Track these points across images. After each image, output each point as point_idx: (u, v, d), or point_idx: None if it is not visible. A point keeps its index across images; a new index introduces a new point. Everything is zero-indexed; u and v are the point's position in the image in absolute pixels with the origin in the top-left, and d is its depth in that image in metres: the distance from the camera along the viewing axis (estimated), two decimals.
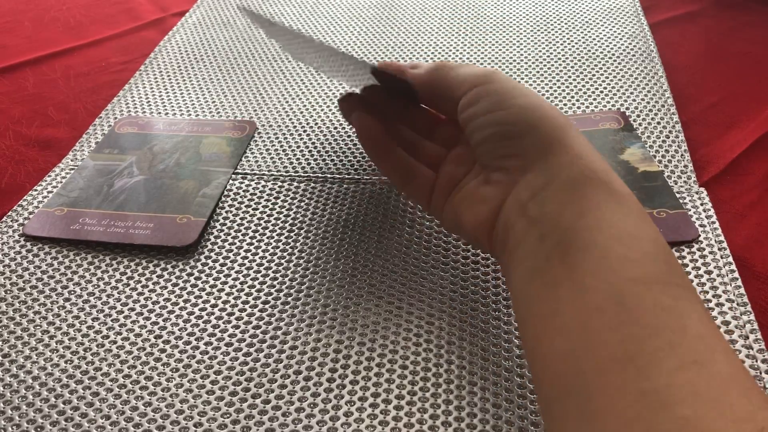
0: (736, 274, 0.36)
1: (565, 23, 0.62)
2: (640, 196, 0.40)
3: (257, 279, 0.38)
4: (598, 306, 0.23)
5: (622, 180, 0.28)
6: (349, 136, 0.49)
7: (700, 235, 0.38)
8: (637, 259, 0.24)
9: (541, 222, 0.27)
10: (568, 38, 0.60)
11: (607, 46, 0.58)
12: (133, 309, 0.36)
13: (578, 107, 0.50)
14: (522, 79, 0.54)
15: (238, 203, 0.43)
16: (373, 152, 0.37)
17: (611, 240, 0.25)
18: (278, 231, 0.41)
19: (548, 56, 0.57)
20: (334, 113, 0.51)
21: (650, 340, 0.21)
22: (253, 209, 0.43)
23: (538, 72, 0.55)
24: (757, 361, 0.31)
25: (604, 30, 0.61)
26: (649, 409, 0.20)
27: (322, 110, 0.52)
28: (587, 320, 0.23)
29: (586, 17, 0.63)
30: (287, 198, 0.43)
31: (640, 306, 0.22)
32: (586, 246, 0.25)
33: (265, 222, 0.42)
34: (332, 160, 0.46)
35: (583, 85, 0.53)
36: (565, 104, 0.51)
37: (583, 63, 0.56)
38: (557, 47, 0.58)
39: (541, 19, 0.63)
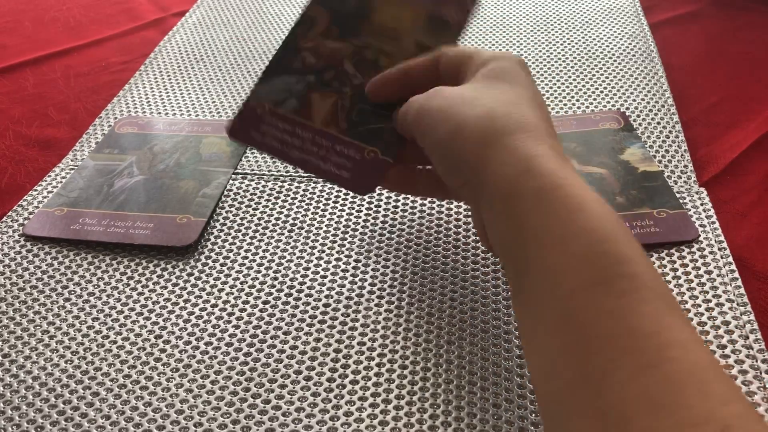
0: (736, 274, 0.36)
1: (565, 23, 0.62)
2: (640, 196, 0.40)
3: (257, 279, 0.38)
4: (553, 326, 0.23)
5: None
6: None
7: (699, 235, 0.38)
8: (574, 265, 0.23)
9: (499, 252, 0.28)
10: (568, 38, 0.60)
11: (607, 46, 0.58)
12: (133, 309, 0.36)
13: (578, 107, 0.50)
14: None
15: (238, 203, 0.43)
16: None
17: (549, 250, 0.24)
18: (278, 231, 0.41)
19: (548, 56, 0.57)
20: None
21: (602, 352, 0.21)
22: (253, 209, 0.43)
23: (538, 72, 0.55)
24: (757, 361, 0.31)
25: (604, 30, 0.61)
26: (609, 428, 0.20)
27: None
28: (549, 342, 0.23)
29: (586, 17, 0.63)
30: (287, 198, 0.43)
31: (586, 318, 0.22)
32: (529, 268, 0.25)
33: (265, 222, 0.42)
34: None
35: (583, 85, 0.53)
36: (565, 104, 0.51)
37: (583, 63, 0.56)
38: (557, 47, 0.58)
39: (541, 19, 0.63)
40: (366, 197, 0.43)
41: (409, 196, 0.43)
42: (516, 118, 0.29)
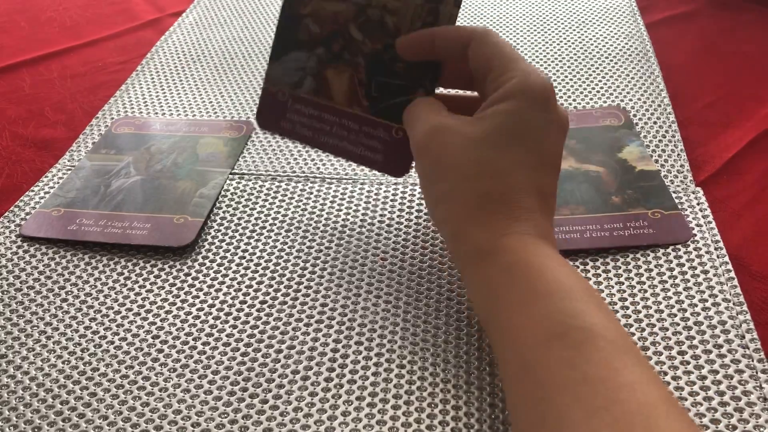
0: (732, 274, 0.36)
1: (562, 23, 0.62)
2: (636, 195, 0.41)
3: (255, 279, 0.38)
4: (515, 376, 0.25)
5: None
6: None
7: (692, 237, 0.38)
8: (534, 324, 0.25)
9: (471, 303, 0.32)
10: (564, 38, 0.60)
11: (604, 46, 0.58)
12: (130, 309, 0.36)
13: (575, 107, 0.50)
14: None
15: (236, 203, 0.43)
16: None
17: (512, 314, 0.27)
18: (276, 231, 0.41)
19: (545, 56, 0.57)
20: None
21: (557, 398, 0.23)
22: (250, 209, 0.43)
23: None
24: (753, 361, 0.31)
25: (600, 30, 0.61)
26: None
27: None
28: (513, 391, 0.26)
29: (582, 17, 0.63)
30: (284, 198, 0.43)
31: (543, 368, 0.24)
32: (495, 326, 0.28)
33: (262, 222, 0.42)
34: (330, 160, 0.46)
35: (580, 85, 0.53)
36: (562, 104, 0.51)
37: (580, 63, 0.56)
38: (554, 47, 0.58)
39: (537, 19, 0.63)
40: (364, 196, 0.43)
41: (405, 198, 0.43)
42: (500, 195, 0.30)
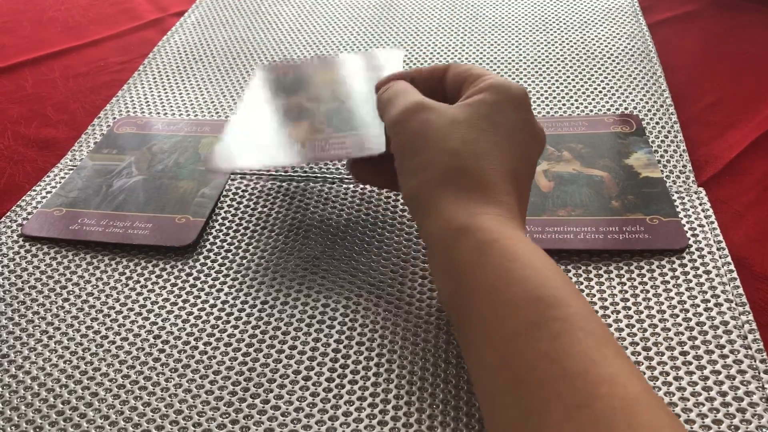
0: (735, 275, 0.36)
1: (564, 23, 0.62)
2: (636, 201, 0.40)
3: (256, 279, 0.38)
4: (493, 370, 0.24)
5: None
6: None
7: (687, 247, 0.38)
8: (510, 312, 0.25)
9: (441, 299, 0.31)
10: (566, 38, 0.60)
11: (606, 46, 0.58)
12: (132, 309, 0.36)
13: (577, 107, 0.50)
14: (521, 79, 0.54)
15: (237, 203, 0.43)
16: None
17: (485, 300, 0.26)
18: (277, 231, 0.41)
19: (547, 56, 0.57)
20: None
21: (537, 394, 0.22)
22: (252, 209, 0.43)
23: (536, 72, 0.55)
24: (755, 362, 0.31)
25: (602, 30, 0.61)
26: None
27: None
28: (489, 387, 0.25)
29: (584, 17, 0.63)
30: (286, 198, 0.43)
31: (522, 362, 0.23)
32: (469, 316, 0.26)
33: (264, 222, 0.42)
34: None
35: (582, 86, 0.53)
36: (564, 104, 0.51)
37: (582, 63, 0.56)
38: (556, 47, 0.58)
39: (539, 19, 0.63)
40: (365, 196, 0.43)
41: None
42: (477, 174, 0.30)
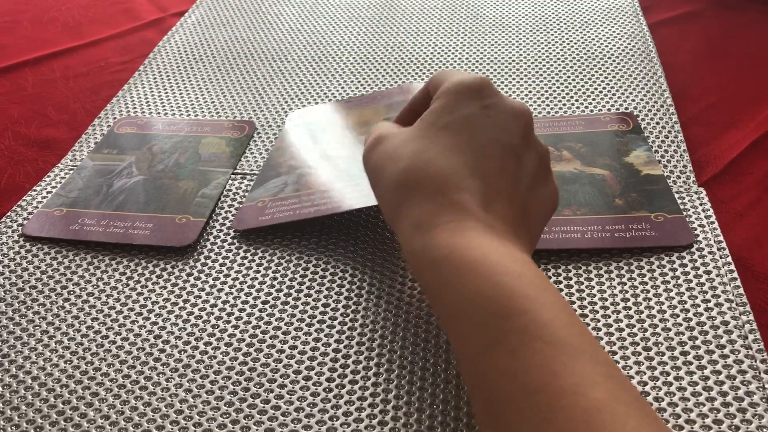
0: (735, 275, 0.36)
1: (565, 23, 0.62)
2: (640, 199, 0.40)
3: (257, 279, 0.38)
4: (470, 387, 0.25)
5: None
6: None
7: (694, 242, 0.38)
8: (472, 331, 0.24)
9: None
10: (567, 38, 0.60)
11: (607, 46, 0.58)
12: (132, 309, 0.36)
13: (577, 107, 0.50)
14: (521, 79, 0.54)
15: (238, 203, 0.43)
16: None
17: (450, 320, 0.26)
18: (277, 231, 0.41)
19: (547, 56, 0.57)
20: None
21: (504, 413, 0.22)
22: None
23: (537, 72, 0.55)
24: (756, 362, 0.31)
25: (603, 30, 0.61)
26: None
27: None
28: (476, 406, 0.25)
29: (585, 17, 0.63)
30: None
31: (486, 382, 0.23)
32: (447, 333, 0.27)
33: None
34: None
35: (583, 86, 0.53)
36: (564, 104, 0.51)
37: (583, 63, 0.56)
38: (556, 47, 0.58)
39: (540, 19, 0.63)
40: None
41: None
42: (427, 182, 0.28)
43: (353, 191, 0.40)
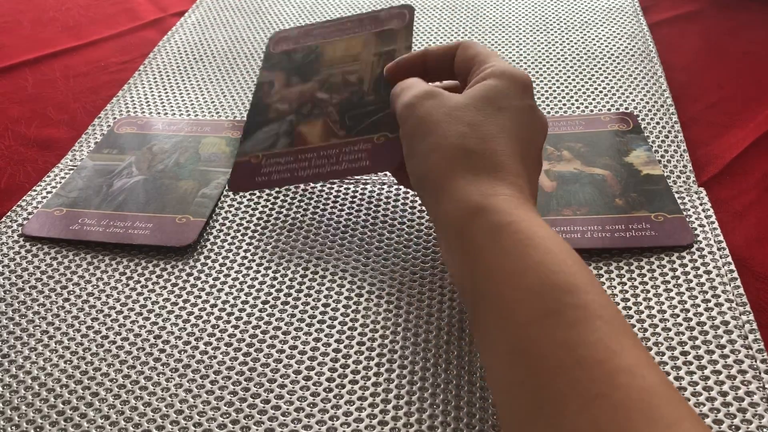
0: (736, 275, 0.36)
1: (565, 23, 0.62)
2: (640, 199, 0.40)
3: (257, 279, 0.38)
4: (508, 359, 0.24)
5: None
6: None
7: (694, 243, 0.38)
8: (525, 298, 0.24)
9: (455, 283, 0.30)
10: (567, 38, 0.60)
11: (607, 46, 0.58)
12: (132, 309, 0.36)
13: (578, 107, 0.50)
14: None
15: (238, 203, 0.43)
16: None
17: (501, 285, 0.25)
18: (278, 231, 0.41)
19: (548, 56, 0.57)
20: None
21: (554, 384, 0.22)
22: (252, 209, 0.43)
23: (537, 72, 0.55)
24: (756, 361, 0.31)
25: (603, 30, 0.61)
26: None
27: None
28: (503, 374, 0.24)
29: (585, 17, 0.63)
30: (286, 198, 0.43)
31: (538, 350, 0.23)
32: (483, 302, 0.26)
33: (264, 222, 0.42)
34: None
35: (583, 85, 0.53)
36: (564, 104, 0.51)
37: (583, 63, 0.56)
38: (557, 47, 0.58)
39: (540, 19, 0.63)
40: (366, 196, 0.43)
41: (407, 198, 0.43)
42: (487, 155, 0.30)
43: (352, 150, 0.39)
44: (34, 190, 0.45)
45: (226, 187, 0.41)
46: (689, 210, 0.40)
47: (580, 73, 0.54)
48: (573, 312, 0.23)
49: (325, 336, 0.34)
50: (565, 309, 0.23)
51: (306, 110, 0.42)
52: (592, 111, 0.50)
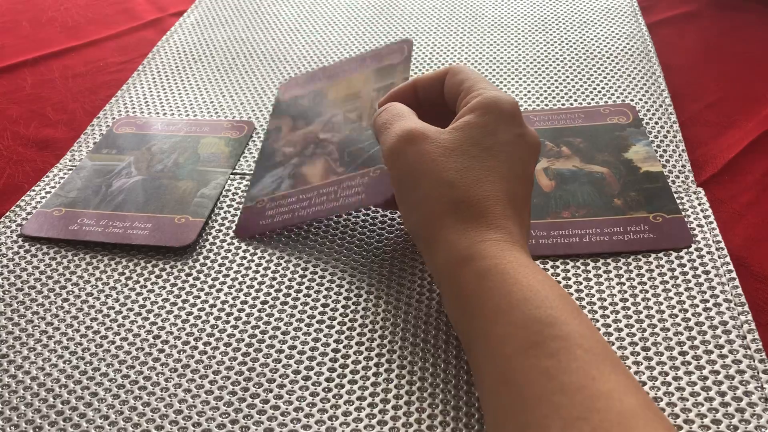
0: (734, 274, 0.36)
1: (563, 23, 0.62)
2: (639, 198, 0.40)
3: (256, 279, 0.38)
4: (495, 387, 0.25)
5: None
6: None
7: (692, 244, 0.38)
8: (512, 333, 0.26)
9: (450, 319, 0.32)
10: (565, 38, 0.60)
11: (605, 46, 0.58)
12: (131, 309, 0.36)
13: (577, 107, 0.50)
14: (520, 79, 0.54)
15: (237, 203, 0.43)
16: None
17: (489, 323, 0.27)
18: (277, 231, 0.41)
19: (546, 56, 0.57)
20: None
21: (537, 409, 0.23)
22: None
23: (536, 72, 0.55)
24: (754, 361, 0.31)
25: (601, 30, 0.61)
26: None
27: None
28: (492, 402, 0.25)
29: (583, 17, 0.63)
30: None
31: (522, 379, 0.24)
32: (475, 338, 0.28)
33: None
34: None
35: (582, 85, 0.53)
36: (564, 104, 0.51)
37: (581, 63, 0.56)
38: (555, 47, 0.58)
39: (538, 19, 0.63)
40: None
41: None
42: (474, 203, 0.30)
43: (349, 185, 0.39)
44: (33, 191, 0.45)
45: (231, 233, 0.41)
46: (688, 210, 0.40)
47: (580, 72, 0.54)
48: (554, 343, 0.24)
49: (325, 336, 0.34)
50: (546, 340, 0.25)
51: (309, 152, 0.43)
52: (590, 103, 0.49)
